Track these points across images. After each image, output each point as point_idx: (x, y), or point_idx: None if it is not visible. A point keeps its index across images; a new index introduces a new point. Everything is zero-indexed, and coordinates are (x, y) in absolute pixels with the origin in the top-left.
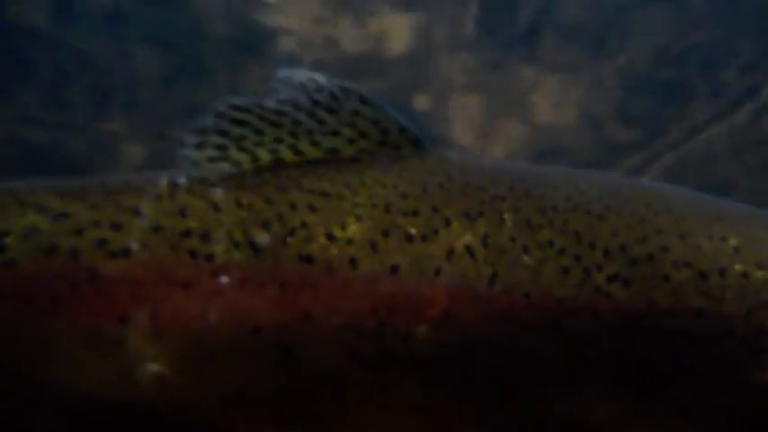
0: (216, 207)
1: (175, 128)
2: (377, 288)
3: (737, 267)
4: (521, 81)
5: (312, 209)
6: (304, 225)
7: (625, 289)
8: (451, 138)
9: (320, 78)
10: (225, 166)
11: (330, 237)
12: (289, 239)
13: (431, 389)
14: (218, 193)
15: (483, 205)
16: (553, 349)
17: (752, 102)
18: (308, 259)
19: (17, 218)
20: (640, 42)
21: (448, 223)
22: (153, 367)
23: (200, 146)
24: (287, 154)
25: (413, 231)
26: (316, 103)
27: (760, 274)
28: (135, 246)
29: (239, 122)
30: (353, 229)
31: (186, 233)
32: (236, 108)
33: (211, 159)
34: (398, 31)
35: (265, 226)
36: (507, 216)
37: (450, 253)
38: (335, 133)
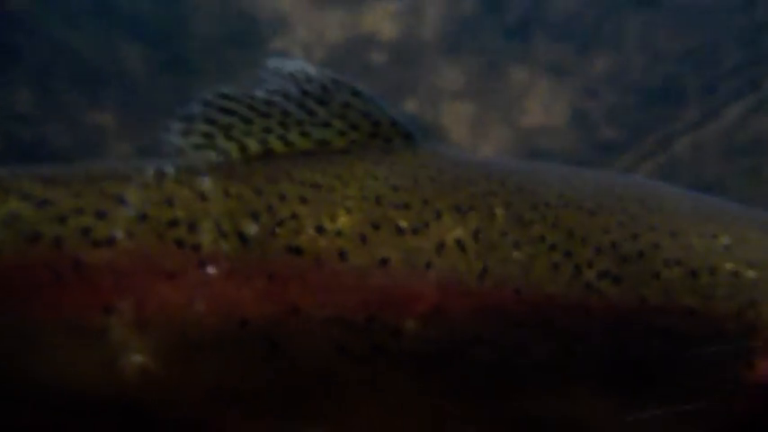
0: (204, 196)
1: (163, 120)
2: (366, 281)
3: (728, 266)
4: (511, 81)
5: (302, 200)
6: (293, 216)
7: (616, 286)
8: (442, 137)
9: (311, 69)
10: (211, 155)
11: (319, 229)
12: (278, 231)
13: (420, 384)
14: (207, 183)
15: (474, 199)
16: (543, 346)
17: (740, 104)
18: (297, 251)
19: (0, 205)
20: (631, 45)
21: (439, 217)
22: (137, 358)
23: (186, 133)
24: (276, 144)
25: (403, 224)
26: (306, 93)
27: (750, 272)
28: (120, 234)
29: (227, 111)
30: (343, 221)
31: (173, 222)
32: (225, 97)
33: (198, 147)
34: (388, 24)
35: (254, 217)
36: (499, 211)
37: (441, 247)
38: (326, 125)
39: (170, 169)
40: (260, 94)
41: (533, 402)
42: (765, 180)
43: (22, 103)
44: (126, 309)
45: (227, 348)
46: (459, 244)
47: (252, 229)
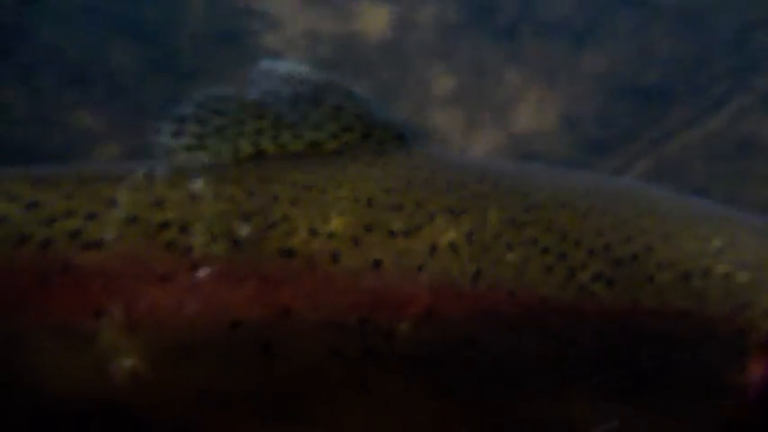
0: (195, 198)
1: (152, 122)
2: (358, 284)
3: (721, 269)
4: (501, 83)
5: (294, 202)
6: (286, 218)
7: (609, 289)
8: (431, 140)
9: (303, 71)
10: (203, 156)
11: (312, 231)
12: (270, 233)
13: (413, 387)
14: (198, 185)
15: (467, 202)
16: (537, 349)
17: (728, 108)
18: (290, 253)
19: None
20: (621, 47)
21: (432, 219)
22: (128, 362)
23: (177, 134)
24: (269, 146)
25: (396, 227)
26: (298, 95)
27: (743, 275)
28: (110, 237)
29: (219, 112)
30: (336, 223)
31: (164, 225)
32: (217, 98)
33: (189, 148)
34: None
35: (246, 219)
36: (492, 213)
37: (434, 249)
38: (318, 126)
39: (161, 171)
40: (252, 95)
41: (527, 405)
42: (754, 182)
43: (10, 105)
44: (116, 312)
45: (218, 351)
46: (453, 246)
47: (244, 231)
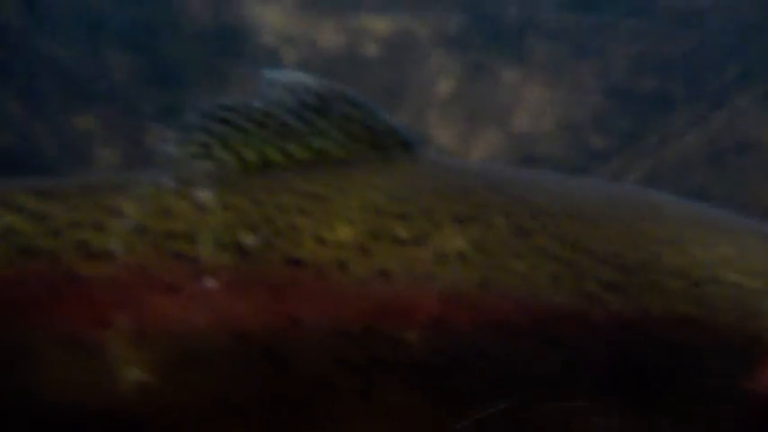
0: (202, 208)
1: (151, 131)
2: (366, 292)
3: (730, 276)
4: (501, 87)
5: (301, 211)
6: (292, 227)
7: (618, 297)
8: (431, 143)
9: (308, 80)
10: (208, 165)
11: (319, 240)
12: (277, 242)
13: (419, 396)
14: (205, 194)
15: (475, 209)
16: (545, 357)
17: (727, 111)
18: (297, 263)
19: None
20: (620, 51)
21: (439, 227)
22: (135, 373)
23: (183, 143)
24: (275, 155)
25: (403, 235)
26: (304, 104)
27: (752, 282)
28: (117, 247)
29: (225, 122)
30: (343, 232)
31: (171, 235)
32: (222, 107)
33: (195, 157)
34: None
35: (253, 228)
36: (499, 220)
37: (441, 257)
38: (324, 135)
39: (168, 180)
40: (258, 104)
41: (535, 415)
42: (754, 184)
43: (9, 115)
44: (123, 322)
45: (225, 361)
46: (460, 254)
47: (251, 240)
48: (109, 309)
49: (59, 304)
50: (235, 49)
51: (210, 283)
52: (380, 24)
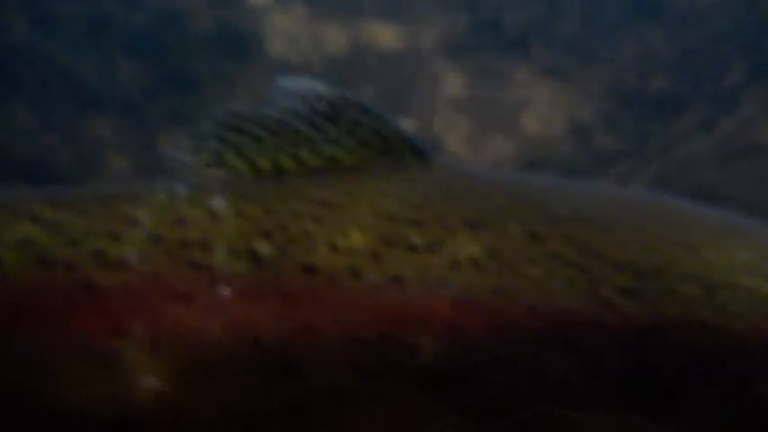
0: (216, 216)
1: (163, 138)
2: (380, 299)
3: (746, 281)
4: (509, 91)
5: (314, 218)
6: (306, 235)
7: (633, 302)
8: (441, 149)
9: (320, 87)
10: (221, 173)
11: (332, 247)
12: (290, 249)
13: (434, 403)
14: (218, 202)
15: (488, 215)
16: (561, 364)
17: (737, 113)
18: (310, 269)
19: (9, 228)
20: (629, 54)
21: (452, 233)
22: (151, 381)
23: (196, 151)
24: (287, 162)
25: (416, 241)
26: (316, 111)
27: None
28: (132, 256)
29: (238, 129)
30: (356, 238)
31: (185, 243)
32: (235, 115)
33: (208, 165)
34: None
35: (266, 236)
36: (512, 226)
37: (455, 264)
38: (336, 142)
39: (182, 189)
40: (271, 112)
41: (551, 422)
42: (764, 186)
43: (21, 124)
44: (139, 331)
45: (241, 369)
46: (474, 261)
47: (264, 248)
48: (124, 317)
49: (76, 313)
50: (242, 55)
51: (225, 291)
52: (387, 30)
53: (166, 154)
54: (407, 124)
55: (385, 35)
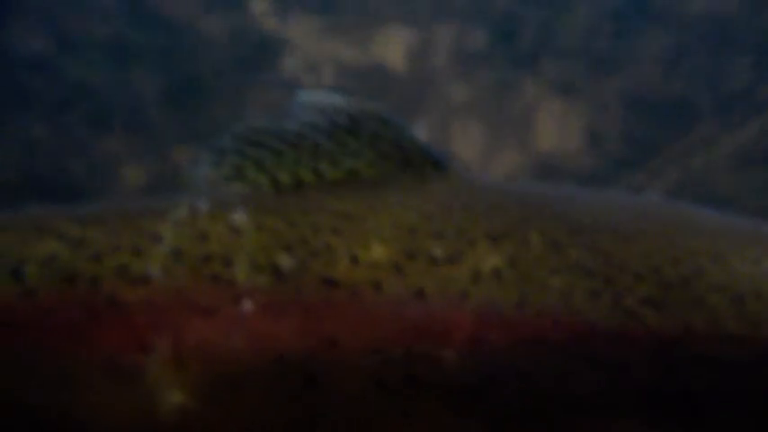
0: (237, 230)
1: (176, 151)
2: (402, 312)
3: None
4: (523, 100)
5: (335, 231)
6: (327, 248)
7: (659, 313)
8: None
9: (339, 100)
10: (242, 187)
11: (354, 260)
12: (312, 263)
13: (458, 416)
14: (239, 217)
15: (509, 226)
16: (586, 377)
17: (754, 121)
18: (332, 283)
19: (35, 245)
20: (644, 62)
21: (473, 245)
22: (175, 396)
23: (217, 165)
24: (307, 176)
25: (438, 254)
26: (335, 124)
27: None
28: (156, 272)
29: (258, 143)
30: (377, 251)
31: (208, 258)
32: (255, 129)
33: (228, 179)
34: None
35: (288, 249)
36: (534, 237)
37: (477, 276)
38: (356, 155)
39: (204, 204)
40: (290, 126)
41: None
42: None
43: (37, 138)
44: (163, 347)
45: (264, 383)
46: (496, 272)
47: (286, 261)
48: (148, 333)
49: (101, 329)
50: (256, 67)
51: (247, 305)
52: (402, 40)
53: (185, 168)
54: (420, 135)
55: (400, 45)
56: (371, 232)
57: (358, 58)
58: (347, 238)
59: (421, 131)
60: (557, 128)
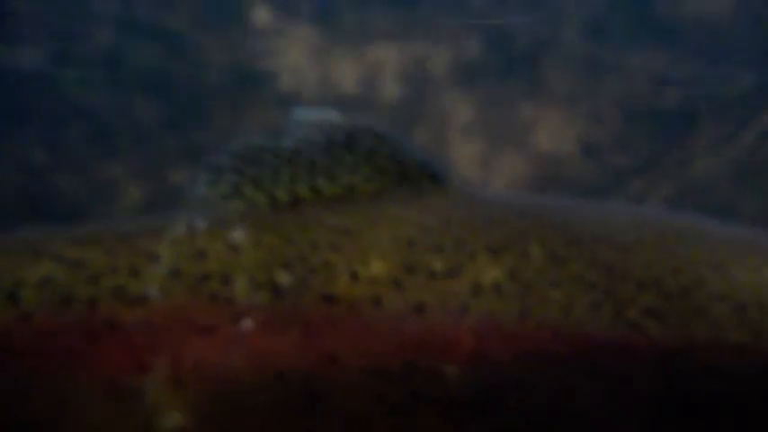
0: (235, 248)
1: (174, 171)
2: (402, 328)
3: None
4: (520, 111)
5: (334, 247)
6: (326, 264)
7: (661, 324)
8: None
9: (335, 116)
10: (239, 204)
11: (353, 275)
12: (311, 280)
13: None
14: (237, 235)
15: (508, 239)
16: (588, 389)
17: (752, 128)
18: (332, 299)
19: (31, 268)
20: (641, 70)
21: (473, 258)
22: (175, 417)
23: (213, 183)
24: (305, 192)
25: (437, 267)
26: (332, 141)
27: None
28: (154, 292)
29: (255, 161)
30: (376, 266)
31: (206, 276)
32: (251, 147)
33: (225, 197)
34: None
35: (286, 267)
36: (534, 249)
37: (477, 289)
38: (353, 170)
39: (201, 222)
40: (286, 143)
41: None
42: None
43: (34, 157)
44: (162, 367)
45: (264, 402)
46: (496, 285)
47: (285, 279)
48: (147, 353)
49: (98, 351)
50: (252, 85)
51: (246, 323)
52: (396, 55)
53: (183, 187)
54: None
55: (395, 60)
56: (370, 247)
57: (354, 72)
58: (346, 254)
59: (417, 145)
60: (553, 138)
